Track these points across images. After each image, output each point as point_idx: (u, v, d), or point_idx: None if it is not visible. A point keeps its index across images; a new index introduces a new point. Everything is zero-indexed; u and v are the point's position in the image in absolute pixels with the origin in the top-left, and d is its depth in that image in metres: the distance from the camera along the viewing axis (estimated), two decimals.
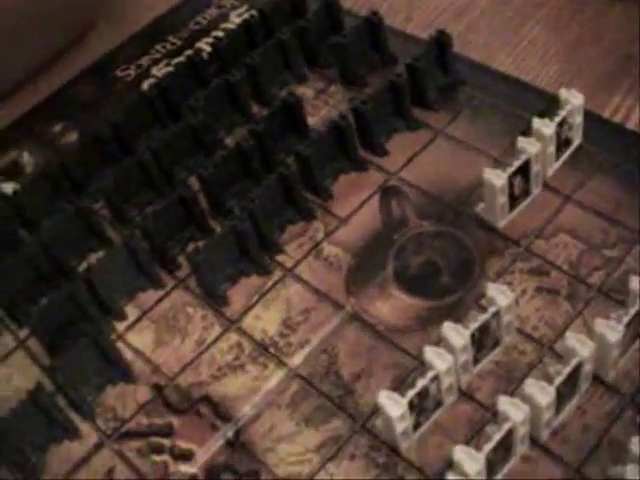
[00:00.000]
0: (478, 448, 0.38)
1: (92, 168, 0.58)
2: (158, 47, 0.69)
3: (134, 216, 0.55)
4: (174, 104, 0.59)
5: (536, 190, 0.51)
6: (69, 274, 0.53)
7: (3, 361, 0.52)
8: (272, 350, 0.48)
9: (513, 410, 0.39)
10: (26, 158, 0.64)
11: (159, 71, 0.66)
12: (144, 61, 0.68)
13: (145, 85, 0.66)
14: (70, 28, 0.71)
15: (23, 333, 0.53)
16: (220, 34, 0.67)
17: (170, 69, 0.65)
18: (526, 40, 0.62)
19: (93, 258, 0.54)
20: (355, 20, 0.61)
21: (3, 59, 0.65)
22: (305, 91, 0.60)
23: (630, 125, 0.54)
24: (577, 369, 0.41)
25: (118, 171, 0.55)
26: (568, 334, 0.41)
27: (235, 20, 0.68)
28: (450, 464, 0.38)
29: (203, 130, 0.56)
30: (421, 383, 0.40)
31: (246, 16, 0.65)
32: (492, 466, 0.39)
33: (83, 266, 0.53)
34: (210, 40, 0.67)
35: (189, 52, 0.65)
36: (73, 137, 0.64)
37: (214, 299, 0.50)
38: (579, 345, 0.40)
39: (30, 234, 0.56)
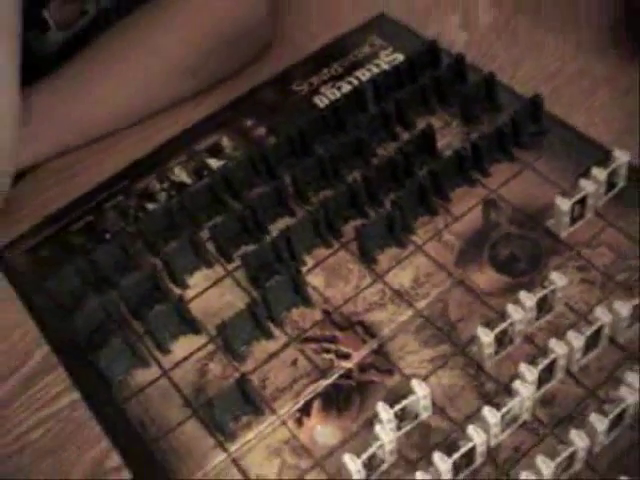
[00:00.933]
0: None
1: (282, 159, 0.83)
2: (325, 71, 0.94)
3: (312, 197, 0.80)
4: (342, 120, 0.84)
5: (589, 215, 0.76)
6: (264, 231, 0.79)
7: (216, 283, 0.78)
8: (405, 296, 0.74)
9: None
10: (225, 142, 0.90)
11: (326, 90, 0.91)
12: (314, 80, 0.93)
13: (316, 99, 0.91)
14: (252, 47, 0.96)
15: (230, 266, 0.78)
16: (374, 68, 0.92)
17: (336, 92, 0.90)
18: (597, 103, 0.86)
19: (281, 223, 0.79)
20: (476, 75, 0.86)
21: (205, 66, 0.90)
22: (435, 122, 0.85)
23: None
24: (599, 330, 0.66)
25: (303, 163, 0.81)
26: (597, 309, 0.67)
27: (384, 59, 0.93)
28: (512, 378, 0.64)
29: (363, 143, 0.82)
30: (503, 325, 0.66)
31: (396, 62, 0.90)
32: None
33: (275, 227, 0.78)
34: (366, 72, 0.91)
35: (351, 79, 0.90)
36: (261, 131, 0.90)
37: (367, 259, 0.76)
38: (604, 315, 0.66)
39: (234, 200, 0.82)
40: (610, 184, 0.76)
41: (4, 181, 0.83)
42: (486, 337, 0.66)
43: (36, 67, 0.88)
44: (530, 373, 0.63)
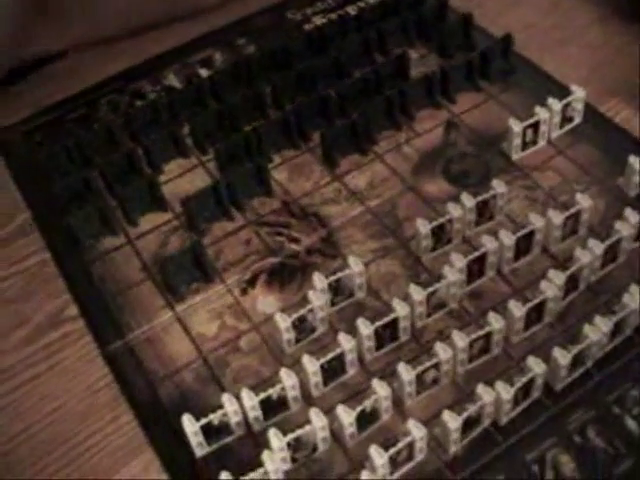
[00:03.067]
0: None
1: (264, 70, 0.89)
2: (319, 4, 1.00)
3: (287, 105, 0.86)
4: (325, 43, 0.90)
5: (542, 142, 0.81)
6: (239, 130, 0.85)
7: (189, 171, 0.84)
8: (358, 196, 0.79)
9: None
10: (217, 56, 0.96)
11: (317, 20, 0.97)
12: (308, 11, 0.99)
13: (306, 27, 0.97)
14: None
15: (204, 158, 0.84)
16: (363, 4, 0.97)
17: (324, 21, 0.96)
18: (568, 53, 0.92)
19: (255, 125, 0.85)
20: (455, 16, 0.92)
21: None
22: (412, 54, 0.91)
23: (617, 119, 0.84)
24: (531, 235, 0.71)
25: (282, 74, 0.86)
26: (531, 215, 0.72)
27: None
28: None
29: (341, 63, 0.87)
30: (441, 220, 0.71)
31: None
32: None
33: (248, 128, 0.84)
34: (356, 8, 0.97)
35: (341, 12, 0.96)
36: (250, 49, 0.96)
37: (329, 162, 0.82)
38: (536, 220, 0.71)
39: (217, 103, 0.88)
40: (566, 118, 0.81)
41: None
42: (424, 228, 0.71)
43: None
44: (459, 261, 0.68)
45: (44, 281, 0.76)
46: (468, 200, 0.72)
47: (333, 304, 0.69)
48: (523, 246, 0.71)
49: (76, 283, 0.75)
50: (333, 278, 0.68)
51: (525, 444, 0.63)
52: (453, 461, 0.62)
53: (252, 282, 0.73)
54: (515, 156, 0.79)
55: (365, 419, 0.62)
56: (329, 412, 0.63)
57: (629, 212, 0.70)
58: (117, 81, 0.93)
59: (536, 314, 0.67)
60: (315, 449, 0.62)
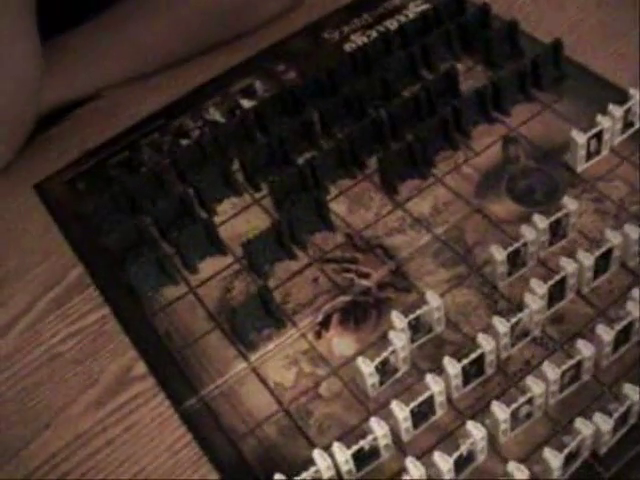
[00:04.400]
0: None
1: (310, 97, 0.86)
2: (355, 20, 0.97)
3: (337, 132, 0.84)
4: (369, 62, 0.88)
5: (605, 151, 0.79)
6: (291, 162, 0.82)
7: (244, 210, 0.81)
8: (424, 223, 0.76)
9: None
10: (258, 85, 0.94)
11: (356, 38, 0.95)
12: (345, 29, 0.97)
13: (346, 47, 0.94)
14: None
15: (258, 195, 0.82)
16: (403, 19, 0.95)
17: (366, 40, 0.93)
18: (617, 52, 0.89)
19: (307, 156, 0.82)
20: (500, 23, 0.89)
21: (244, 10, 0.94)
22: (459, 67, 0.88)
23: None
24: (610, 253, 0.68)
25: (330, 101, 0.84)
26: (607, 231, 0.69)
27: (413, 9, 0.96)
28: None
29: (388, 83, 0.85)
30: (516, 245, 0.69)
31: (423, 8, 0.93)
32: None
33: (300, 159, 0.82)
34: (395, 22, 0.95)
35: (380, 28, 0.94)
36: (292, 75, 0.93)
37: (389, 189, 0.79)
38: (614, 237, 0.68)
39: (263, 134, 0.85)
40: (627, 124, 0.78)
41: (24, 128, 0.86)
42: (499, 255, 0.68)
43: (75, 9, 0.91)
44: (540, 288, 0.66)
45: (107, 339, 0.74)
46: (541, 221, 0.70)
47: (412, 341, 0.67)
48: (601, 264, 0.68)
49: (140, 339, 0.73)
50: (412, 316, 0.65)
51: (627, 472, 0.60)
52: None
53: (326, 324, 0.71)
54: (580, 168, 0.77)
55: (462, 462, 0.60)
56: (422, 457, 0.60)
57: None
58: (156, 119, 0.91)
59: (624, 335, 0.64)
60: None
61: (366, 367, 0.64)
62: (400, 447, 0.63)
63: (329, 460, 0.60)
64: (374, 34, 0.93)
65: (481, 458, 0.62)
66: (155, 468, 0.66)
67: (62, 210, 0.85)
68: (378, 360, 0.64)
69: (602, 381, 0.65)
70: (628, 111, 0.77)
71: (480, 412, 0.64)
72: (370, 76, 0.85)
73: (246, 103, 0.90)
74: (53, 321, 0.77)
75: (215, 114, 0.89)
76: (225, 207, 0.81)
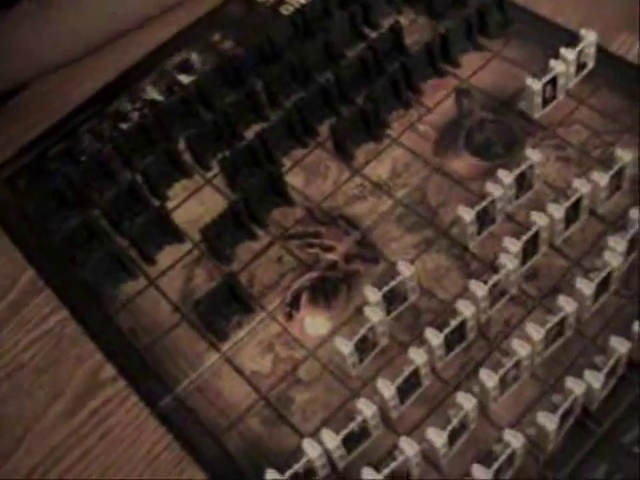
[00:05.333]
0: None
1: (252, 67, 0.83)
2: None
3: (284, 101, 0.80)
4: (309, 26, 0.84)
5: (561, 96, 0.77)
6: (239, 137, 0.79)
7: (196, 192, 0.78)
8: (384, 187, 0.74)
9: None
10: (194, 58, 0.90)
11: (292, 0, 0.91)
12: None
13: (282, 10, 0.90)
14: None
15: (209, 175, 0.78)
16: None
17: (301, 0, 0.89)
18: None
19: (256, 128, 0.79)
20: None
21: None
22: (402, 20, 0.85)
23: (629, 57, 0.79)
24: (579, 202, 0.67)
25: (273, 69, 0.80)
26: (576, 180, 0.67)
27: None
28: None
29: (331, 45, 0.81)
30: (483, 203, 0.67)
31: None
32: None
33: (249, 132, 0.78)
34: None
35: None
36: (229, 44, 0.89)
37: (344, 155, 0.76)
38: (582, 186, 0.66)
39: (207, 111, 0.82)
40: (579, 65, 0.76)
41: None
42: (468, 215, 0.66)
43: None
44: (514, 245, 0.64)
45: (69, 343, 0.71)
46: (506, 176, 0.67)
47: (388, 313, 0.65)
48: (572, 214, 0.67)
49: (105, 340, 0.70)
50: (386, 289, 0.63)
51: (620, 426, 0.59)
52: (551, 459, 0.58)
53: (295, 304, 0.68)
54: (537, 115, 0.75)
55: (455, 434, 0.58)
56: (412, 432, 0.59)
57: None
58: (92, 104, 0.86)
59: (602, 285, 0.63)
60: (409, 477, 0.58)
61: (345, 347, 0.62)
62: (389, 424, 0.61)
63: (319, 448, 0.57)
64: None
65: (472, 426, 0.60)
66: (139, 474, 0.63)
67: (4, 211, 0.81)
68: (356, 338, 0.62)
69: (585, 334, 0.63)
70: (580, 52, 0.75)
71: (466, 379, 0.62)
72: (312, 39, 0.82)
73: (184, 78, 0.86)
74: (13, 329, 0.73)
75: (153, 93, 0.85)
76: (176, 191, 0.77)
